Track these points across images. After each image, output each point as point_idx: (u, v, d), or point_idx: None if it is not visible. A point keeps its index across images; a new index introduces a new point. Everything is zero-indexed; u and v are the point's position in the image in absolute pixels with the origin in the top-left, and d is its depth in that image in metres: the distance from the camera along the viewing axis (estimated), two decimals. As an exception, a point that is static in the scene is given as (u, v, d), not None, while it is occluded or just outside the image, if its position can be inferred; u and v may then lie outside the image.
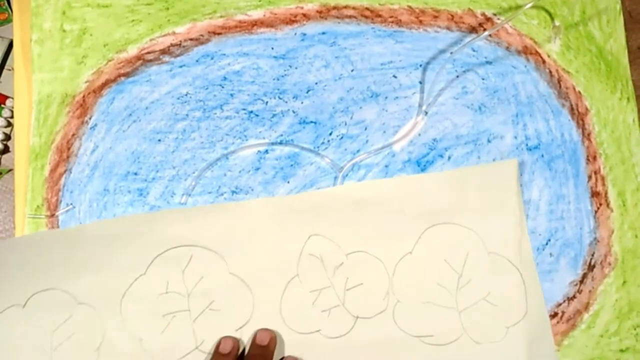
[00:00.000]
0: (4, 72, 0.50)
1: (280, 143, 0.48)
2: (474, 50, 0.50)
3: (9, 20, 0.49)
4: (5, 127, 0.49)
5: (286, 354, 0.44)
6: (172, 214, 0.46)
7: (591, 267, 0.48)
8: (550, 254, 0.48)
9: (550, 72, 0.50)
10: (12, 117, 0.49)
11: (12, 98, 0.48)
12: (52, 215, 0.46)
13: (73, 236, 0.45)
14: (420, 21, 0.50)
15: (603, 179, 0.49)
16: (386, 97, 0.49)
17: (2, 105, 0.49)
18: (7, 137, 0.49)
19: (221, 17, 0.49)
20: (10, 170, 0.48)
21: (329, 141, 0.48)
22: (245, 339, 0.45)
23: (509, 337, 0.45)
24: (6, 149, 0.49)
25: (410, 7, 0.50)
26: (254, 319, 0.45)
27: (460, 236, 0.46)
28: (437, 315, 0.46)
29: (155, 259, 0.45)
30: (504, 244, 0.46)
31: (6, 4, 0.49)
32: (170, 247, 0.45)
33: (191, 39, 0.48)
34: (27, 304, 0.44)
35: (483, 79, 0.50)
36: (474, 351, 0.45)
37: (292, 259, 0.46)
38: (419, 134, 0.49)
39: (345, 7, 0.49)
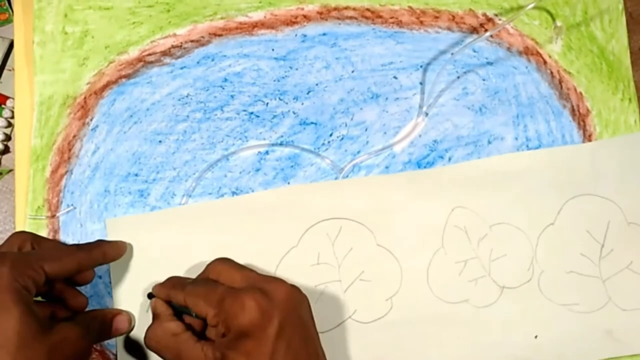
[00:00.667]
0: (4, 72, 0.50)
1: (281, 144, 0.48)
2: (474, 51, 0.50)
3: (9, 21, 0.49)
4: (6, 127, 0.49)
5: (435, 323, 0.46)
6: (322, 187, 0.47)
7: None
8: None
9: (552, 72, 0.50)
10: (12, 117, 0.49)
11: (13, 98, 0.48)
12: (53, 216, 0.46)
13: (231, 207, 0.46)
14: (421, 22, 0.50)
15: (605, 180, 0.49)
16: (387, 98, 0.49)
17: (3, 106, 0.49)
18: (8, 137, 0.49)
19: (222, 18, 0.49)
20: (10, 170, 0.48)
21: (329, 142, 0.48)
22: (396, 308, 0.46)
23: None
24: (6, 149, 0.49)
25: (411, 7, 0.50)
26: (403, 289, 0.46)
27: (600, 207, 0.48)
28: (581, 284, 0.47)
29: (307, 231, 0.46)
30: None
31: (7, 4, 0.50)
32: (321, 219, 0.46)
33: (192, 41, 0.48)
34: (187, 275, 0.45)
35: (484, 80, 0.49)
36: (621, 317, 0.47)
37: (437, 231, 0.47)
38: (420, 135, 0.49)
39: (346, 8, 0.49)
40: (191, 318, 0.40)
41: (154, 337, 0.39)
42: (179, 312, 0.41)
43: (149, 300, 0.43)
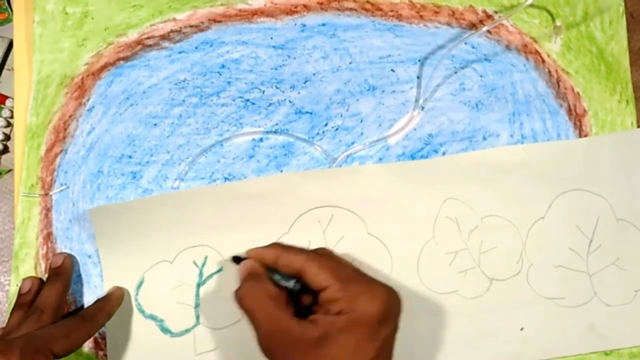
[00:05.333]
0: (4, 72, 0.50)
1: (275, 132, 0.48)
2: (473, 47, 0.50)
3: (8, 20, 0.49)
4: (5, 127, 0.49)
5: (424, 312, 0.46)
6: (315, 174, 0.47)
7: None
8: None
9: (550, 71, 0.50)
10: (11, 117, 0.49)
11: (12, 98, 0.48)
12: (46, 195, 0.46)
13: (221, 194, 0.46)
14: (421, 16, 0.50)
15: (598, 180, 0.49)
16: (383, 91, 0.49)
17: (2, 105, 0.49)
18: (7, 137, 0.49)
19: (222, 5, 0.49)
20: (9, 170, 0.49)
21: (324, 132, 0.48)
22: None
23: (638, 299, 0.47)
24: (6, 149, 0.49)
25: (411, 1, 0.50)
26: (392, 278, 0.46)
27: (590, 203, 0.48)
28: (568, 278, 0.47)
29: (298, 219, 0.46)
30: (632, 212, 0.48)
31: (6, 3, 0.49)
32: (313, 207, 0.46)
33: (191, 26, 0.49)
34: (175, 260, 0.46)
35: (481, 76, 0.49)
36: (604, 313, 0.47)
37: (428, 222, 0.47)
38: (415, 129, 0.49)
39: (346, -1, 0.49)
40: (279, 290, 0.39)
41: (251, 295, 0.37)
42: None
43: (234, 264, 0.43)
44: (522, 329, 0.46)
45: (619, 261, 0.48)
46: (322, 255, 0.40)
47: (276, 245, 0.42)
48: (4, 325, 0.43)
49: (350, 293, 0.36)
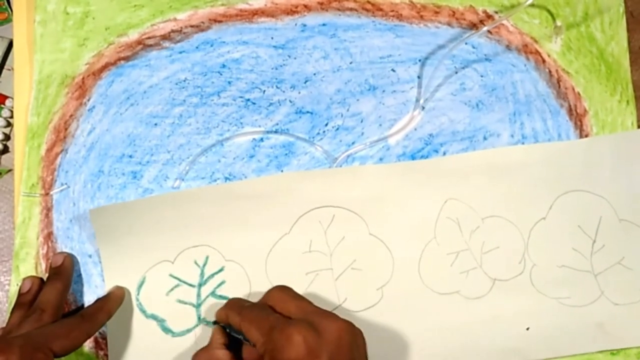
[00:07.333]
0: (4, 71, 0.50)
1: (276, 132, 0.48)
2: (473, 47, 0.50)
3: (8, 20, 0.49)
4: (5, 127, 0.49)
5: (426, 313, 0.46)
6: (316, 174, 0.47)
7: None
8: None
9: (550, 71, 0.50)
10: (11, 117, 0.49)
11: (12, 98, 0.48)
12: (47, 194, 0.46)
13: (222, 194, 0.46)
14: (421, 16, 0.50)
15: (598, 179, 0.49)
16: (384, 91, 0.49)
17: (2, 105, 0.49)
18: (7, 137, 0.49)
19: (222, 5, 0.49)
20: (9, 170, 0.49)
21: (324, 132, 0.48)
22: (386, 298, 0.46)
23: None
24: (6, 149, 0.49)
25: (411, 1, 0.50)
26: (394, 278, 0.46)
27: (592, 203, 0.48)
28: (573, 278, 0.47)
29: (299, 219, 0.46)
30: (635, 212, 0.48)
31: (5, 3, 0.49)
32: (314, 207, 0.46)
33: (192, 26, 0.49)
34: (177, 260, 0.46)
35: (482, 76, 0.49)
36: (613, 311, 0.47)
37: (429, 222, 0.47)
38: (415, 129, 0.49)
39: (347, -1, 0.50)
40: (248, 346, 0.40)
41: None
42: (236, 339, 0.41)
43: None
44: (528, 329, 0.46)
45: (625, 260, 0.48)
46: (253, 308, 0.40)
47: (228, 303, 0.43)
48: (4, 324, 0.43)
49: (271, 345, 0.36)
